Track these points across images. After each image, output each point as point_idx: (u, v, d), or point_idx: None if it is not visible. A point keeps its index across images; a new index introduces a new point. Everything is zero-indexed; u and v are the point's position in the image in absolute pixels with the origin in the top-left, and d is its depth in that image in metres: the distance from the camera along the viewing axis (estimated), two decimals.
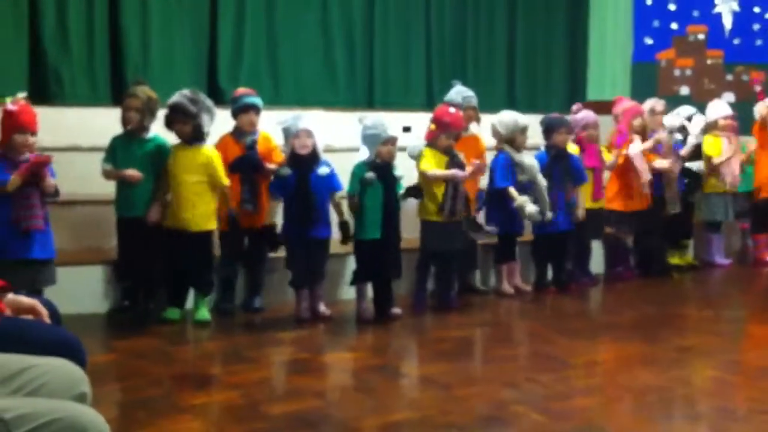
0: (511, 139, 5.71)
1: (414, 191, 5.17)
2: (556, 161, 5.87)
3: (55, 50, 6.39)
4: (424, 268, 5.37)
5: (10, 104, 4.39)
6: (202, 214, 4.89)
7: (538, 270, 6.06)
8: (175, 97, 4.89)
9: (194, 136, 4.89)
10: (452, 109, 5.29)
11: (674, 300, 5.87)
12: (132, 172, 4.87)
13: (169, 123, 4.92)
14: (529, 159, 5.68)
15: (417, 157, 5.20)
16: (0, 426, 1.71)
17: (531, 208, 5.50)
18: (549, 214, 5.65)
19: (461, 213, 5.21)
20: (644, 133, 6.37)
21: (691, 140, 6.57)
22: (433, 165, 5.15)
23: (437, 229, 5.20)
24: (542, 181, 5.63)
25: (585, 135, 6.10)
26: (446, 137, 5.19)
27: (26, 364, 2.12)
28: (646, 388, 3.85)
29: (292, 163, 4.91)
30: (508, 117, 5.79)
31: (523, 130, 5.72)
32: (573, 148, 6.07)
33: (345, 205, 5.05)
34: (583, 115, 6.18)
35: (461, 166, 5.19)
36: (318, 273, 5.07)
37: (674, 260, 6.86)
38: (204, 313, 4.96)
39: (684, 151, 6.60)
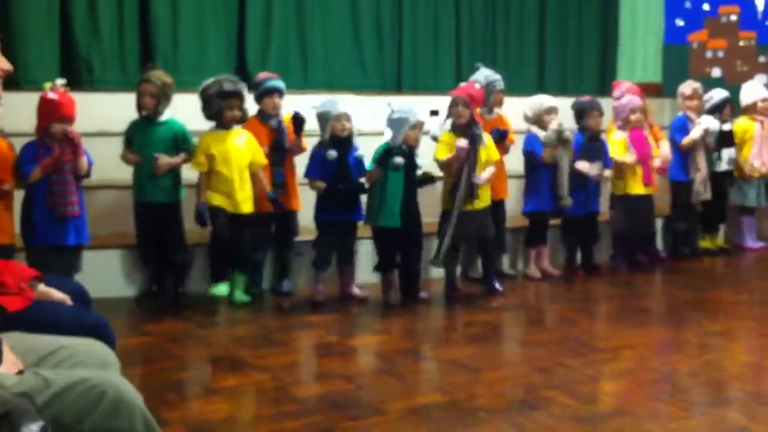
0: (539, 120, 5.68)
1: (425, 179, 5.10)
2: (590, 144, 5.83)
3: (85, 37, 6.43)
4: (451, 256, 5.34)
5: (50, 92, 4.40)
6: (250, 196, 4.95)
7: (568, 253, 6.04)
8: (231, 86, 4.90)
9: (241, 120, 4.98)
10: (462, 84, 5.29)
11: (705, 284, 5.81)
12: (162, 166, 4.90)
13: (225, 109, 4.88)
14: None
15: (434, 137, 5.19)
16: (24, 397, 1.74)
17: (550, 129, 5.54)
18: (568, 200, 5.62)
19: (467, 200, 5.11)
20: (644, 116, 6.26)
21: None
22: (447, 150, 5.12)
23: (459, 218, 5.17)
24: (564, 162, 5.61)
25: (632, 119, 6.01)
26: (453, 105, 5.14)
27: (56, 344, 2.15)
28: (677, 373, 3.83)
29: (332, 146, 4.93)
30: (535, 99, 5.81)
31: (549, 111, 5.69)
32: (620, 135, 6.01)
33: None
34: (627, 99, 6.08)
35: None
36: (348, 254, 5.12)
37: (705, 244, 6.79)
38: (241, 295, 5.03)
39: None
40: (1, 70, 2.44)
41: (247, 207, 4.93)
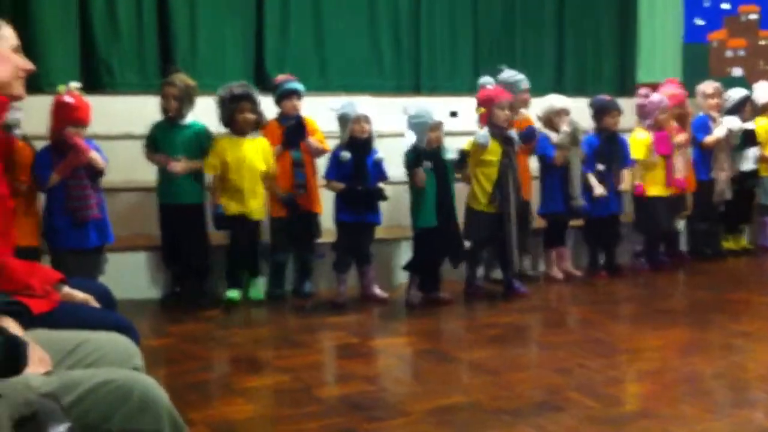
0: (548, 122, 5.68)
1: (464, 157, 5.11)
2: (608, 144, 5.80)
3: (105, 39, 6.47)
4: (474, 256, 5.33)
5: (66, 96, 4.41)
6: (261, 205, 5.02)
7: (590, 254, 6.01)
8: (240, 89, 4.93)
9: (256, 126, 5.00)
10: (489, 86, 5.27)
11: (728, 285, 5.77)
12: (179, 168, 4.92)
13: (236, 112, 4.91)
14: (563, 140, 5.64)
15: (485, 146, 5.14)
16: (50, 398, 1.74)
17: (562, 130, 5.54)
18: (580, 201, 5.59)
19: (514, 202, 5.15)
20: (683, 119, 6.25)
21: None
22: (489, 153, 5.16)
23: (482, 219, 5.17)
24: (576, 163, 5.58)
25: (662, 119, 5.97)
26: (499, 108, 5.15)
27: (81, 339, 2.16)
28: (700, 374, 3.79)
29: (350, 148, 4.94)
30: (545, 100, 5.80)
31: (559, 112, 5.66)
32: (644, 135, 5.97)
33: None
34: (659, 98, 6.02)
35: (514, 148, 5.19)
36: (366, 255, 5.13)
37: (728, 244, 6.74)
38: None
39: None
40: (24, 70, 2.43)
41: (258, 214, 4.99)
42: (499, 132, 5.14)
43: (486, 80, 5.32)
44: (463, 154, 5.10)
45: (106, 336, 2.23)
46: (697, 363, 3.95)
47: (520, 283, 5.39)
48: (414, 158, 4.91)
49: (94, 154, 4.49)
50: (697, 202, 6.54)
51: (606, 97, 6.04)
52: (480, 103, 5.23)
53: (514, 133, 5.20)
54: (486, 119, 5.17)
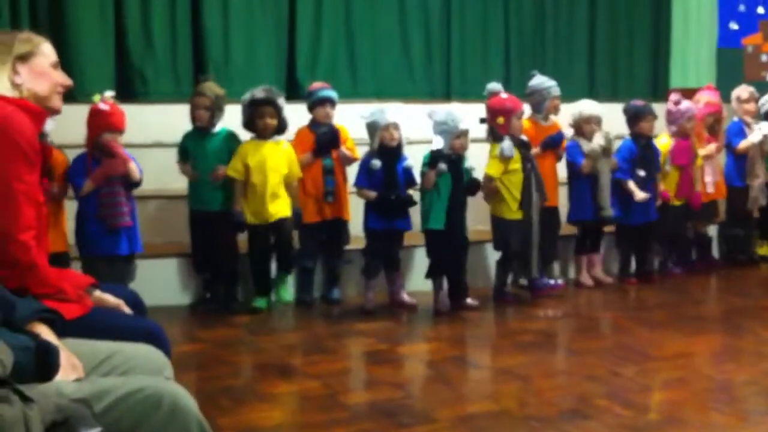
0: (578, 128, 5.66)
1: (474, 184, 5.11)
2: (645, 150, 5.77)
3: (139, 49, 6.55)
4: (505, 266, 5.33)
5: (101, 103, 4.50)
6: (284, 205, 5.00)
7: (621, 260, 5.97)
8: (262, 93, 4.96)
9: (279, 130, 5.01)
10: (503, 95, 5.24)
11: (761, 291, 5.70)
12: (216, 176, 4.97)
13: (257, 117, 4.95)
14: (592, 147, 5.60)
15: (511, 157, 5.11)
16: (82, 403, 1.77)
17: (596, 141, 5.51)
18: (609, 211, 5.55)
19: (537, 203, 5.16)
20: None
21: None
22: (502, 168, 5.15)
23: (513, 226, 5.16)
24: (605, 173, 5.55)
25: (688, 127, 5.91)
26: (517, 118, 5.16)
27: (112, 350, 2.19)
28: (732, 382, 3.76)
29: (380, 155, 4.96)
30: (575, 106, 5.76)
31: (588, 119, 5.63)
32: (665, 140, 5.93)
33: None
34: (686, 106, 5.96)
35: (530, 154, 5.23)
36: (395, 261, 5.14)
37: (762, 251, 6.65)
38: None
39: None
40: (62, 85, 2.51)
41: (284, 213, 4.98)
42: (515, 139, 5.14)
43: (495, 87, 5.28)
44: (475, 183, 5.09)
45: (136, 347, 2.26)
46: (728, 370, 3.91)
47: (553, 280, 5.47)
48: (430, 160, 4.91)
49: (132, 165, 4.55)
50: (730, 208, 6.47)
51: (640, 102, 5.99)
52: (498, 113, 5.17)
53: (524, 137, 5.23)
54: (505, 129, 5.15)
